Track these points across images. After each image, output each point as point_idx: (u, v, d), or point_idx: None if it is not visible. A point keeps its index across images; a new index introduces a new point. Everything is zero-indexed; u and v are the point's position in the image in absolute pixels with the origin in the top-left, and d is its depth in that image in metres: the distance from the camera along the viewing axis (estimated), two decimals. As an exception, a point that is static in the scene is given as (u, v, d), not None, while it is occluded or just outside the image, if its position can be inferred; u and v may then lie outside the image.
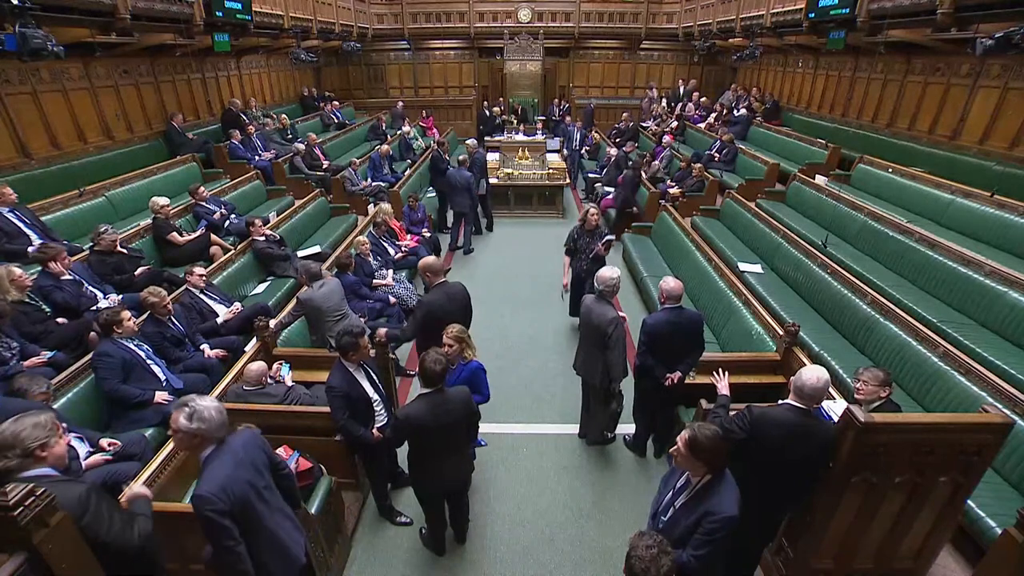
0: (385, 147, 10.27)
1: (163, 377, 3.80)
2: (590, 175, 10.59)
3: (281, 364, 3.98)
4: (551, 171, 9.74)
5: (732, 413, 2.68)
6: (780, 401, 2.61)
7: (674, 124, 12.47)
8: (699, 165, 9.03)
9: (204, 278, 4.74)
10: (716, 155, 10.11)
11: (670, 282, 3.53)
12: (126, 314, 3.70)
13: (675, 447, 2.17)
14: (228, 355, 4.42)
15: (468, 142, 8.50)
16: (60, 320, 4.15)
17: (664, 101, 14.21)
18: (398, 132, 12.39)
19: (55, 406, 3.27)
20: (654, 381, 3.60)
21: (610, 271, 3.62)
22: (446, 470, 2.95)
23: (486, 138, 12.55)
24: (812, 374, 2.41)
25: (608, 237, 5.28)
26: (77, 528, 1.88)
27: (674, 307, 3.51)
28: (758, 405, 2.60)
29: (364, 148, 11.72)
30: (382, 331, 4.04)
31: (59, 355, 3.84)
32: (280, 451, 3.14)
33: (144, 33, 7.04)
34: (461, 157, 7.96)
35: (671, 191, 8.85)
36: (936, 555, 2.94)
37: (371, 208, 8.41)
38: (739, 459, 2.42)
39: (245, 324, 4.65)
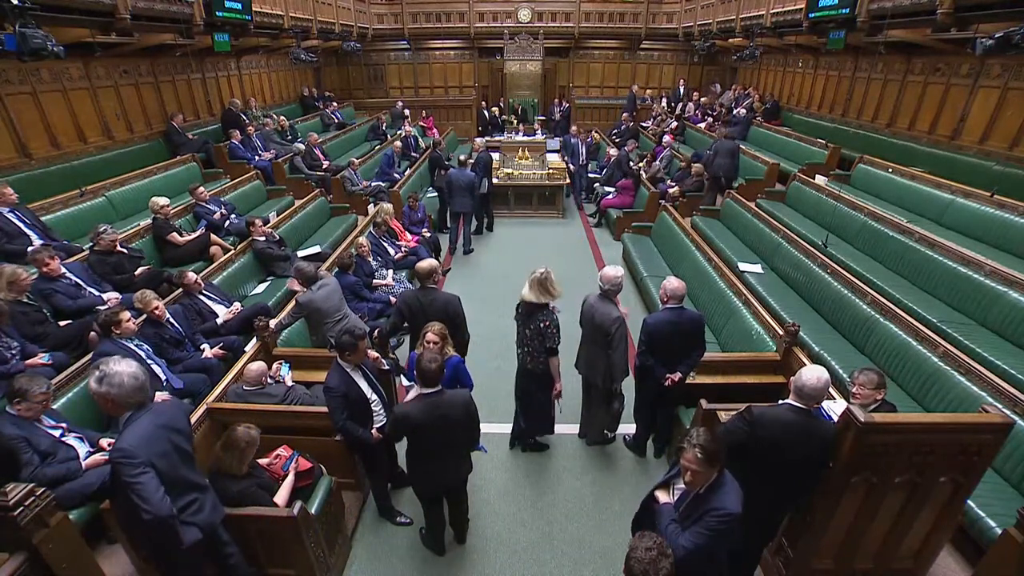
0: (398, 144, 10.30)
1: (163, 377, 3.80)
2: (590, 175, 10.57)
3: (281, 364, 3.98)
4: (551, 171, 9.75)
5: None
6: (780, 401, 2.61)
7: (674, 124, 12.48)
8: (698, 165, 9.03)
9: (198, 282, 4.71)
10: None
11: (673, 282, 3.54)
12: (125, 314, 3.69)
13: (686, 475, 2.09)
14: (228, 355, 4.43)
15: (477, 141, 8.52)
16: (62, 323, 4.16)
17: (664, 101, 14.22)
18: (398, 132, 12.39)
19: (55, 406, 3.27)
20: (654, 381, 3.60)
21: (614, 270, 3.63)
22: (444, 470, 2.96)
23: (486, 138, 12.55)
24: (812, 374, 2.41)
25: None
26: None
27: (675, 307, 3.51)
28: (758, 405, 2.60)
29: (364, 148, 11.73)
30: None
31: (59, 355, 3.84)
32: (280, 451, 3.15)
33: (144, 33, 7.04)
34: (462, 157, 7.97)
35: (671, 191, 8.86)
36: (936, 555, 2.94)
37: (371, 208, 8.42)
38: (739, 459, 2.42)
39: (245, 324, 4.65)
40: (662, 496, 2.32)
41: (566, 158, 10.51)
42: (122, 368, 2.13)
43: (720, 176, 8.65)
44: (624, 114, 13.20)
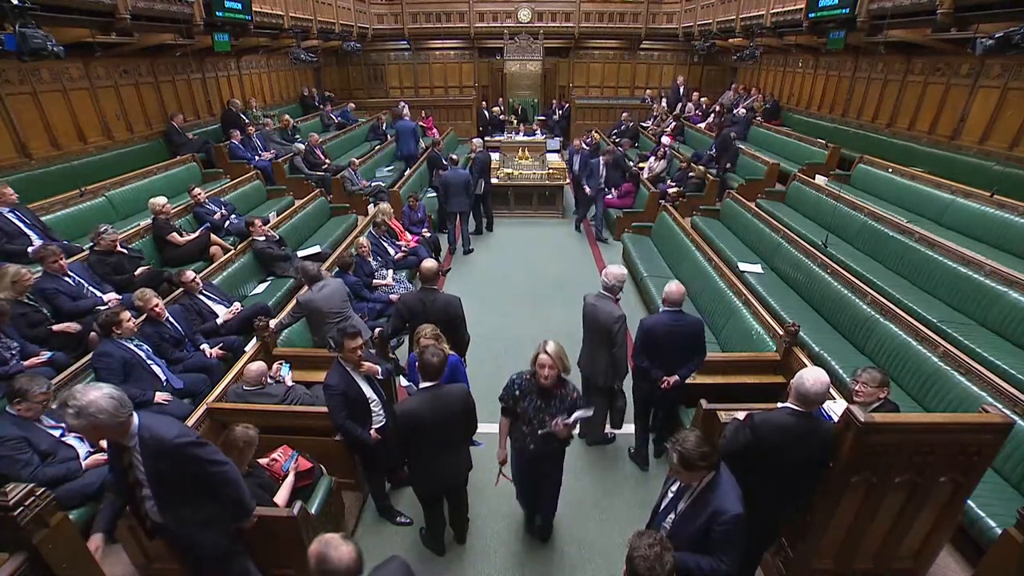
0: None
1: (163, 377, 3.80)
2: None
3: (281, 364, 3.99)
4: (551, 171, 9.75)
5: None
6: (780, 404, 2.61)
7: (672, 124, 12.47)
8: (700, 167, 9.04)
9: (196, 281, 4.71)
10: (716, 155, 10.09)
11: (672, 287, 3.57)
12: (125, 314, 3.69)
13: (672, 471, 2.17)
14: (228, 355, 4.42)
15: (475, 141, 8.49)
16: (60, 325, 4.15)
17: (664, 101, 14.22)
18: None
19: (55, 405, 3.27)
20: (650, 384, 3.61)
21: (618, 268, 3.65)
22: (444, 468, 2.96)
23: (486, 138, 12.55)
24: (812, 379, 2.39)
25: (580, 414, 2.85)
26: None
27: (673, 311, 3.53)
28: (758, 410, 2.60)
29: (364, 148, 11.73)
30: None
31: (59, 355, 3.84)
32: (280, 451, 3.15)
33: (144, 33, 7.04)
34: (453, 156, 7.95)
35: (670, 191, 8.85)
36: (936, 555, 2.94)
37: (371, 208, 8.42)
38: (740, 461, 2.42)
39: (245, 324, 4.65)
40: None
41: (583, 182, 8.49)
42: (94, 395, 2.00)
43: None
44: (624, 114, 13.19)
